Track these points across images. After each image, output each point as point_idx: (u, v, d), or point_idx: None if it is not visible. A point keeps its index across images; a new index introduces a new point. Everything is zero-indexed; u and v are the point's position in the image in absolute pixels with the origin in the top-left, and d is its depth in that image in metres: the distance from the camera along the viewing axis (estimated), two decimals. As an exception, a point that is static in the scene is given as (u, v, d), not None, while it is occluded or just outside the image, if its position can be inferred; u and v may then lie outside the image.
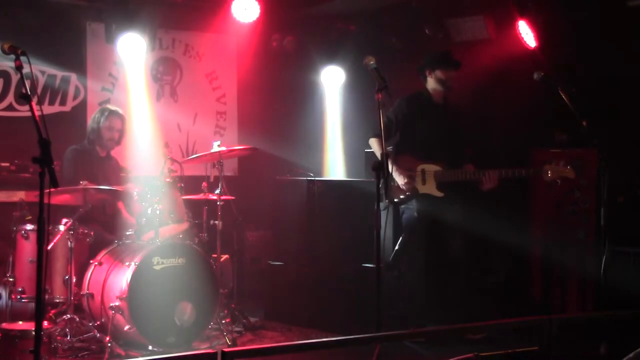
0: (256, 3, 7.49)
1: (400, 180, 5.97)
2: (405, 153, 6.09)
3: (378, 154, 5.99)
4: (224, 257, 6.62)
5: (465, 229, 5.97)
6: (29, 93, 3.75)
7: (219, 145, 6.17)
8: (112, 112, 6.33)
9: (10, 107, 6.98)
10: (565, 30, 7.10)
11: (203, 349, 5.57)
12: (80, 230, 5.63)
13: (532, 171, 6.00)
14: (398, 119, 6.08)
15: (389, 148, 6.55)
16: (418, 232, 6.04)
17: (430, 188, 5.98)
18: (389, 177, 4.79)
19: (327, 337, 5.24)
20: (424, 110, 6.07)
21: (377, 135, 6.01)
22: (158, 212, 5.68)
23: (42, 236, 3.58)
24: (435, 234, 6.00)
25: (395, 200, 6.04)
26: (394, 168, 5.96)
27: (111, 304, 5.34)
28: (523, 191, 7.33)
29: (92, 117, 6.44)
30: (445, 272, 6.03)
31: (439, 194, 5.96)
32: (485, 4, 7.37)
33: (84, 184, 5.53)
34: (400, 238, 6.59)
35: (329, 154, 8.59)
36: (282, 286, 6.85)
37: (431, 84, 6.13)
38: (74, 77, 7.34)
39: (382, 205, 5.20)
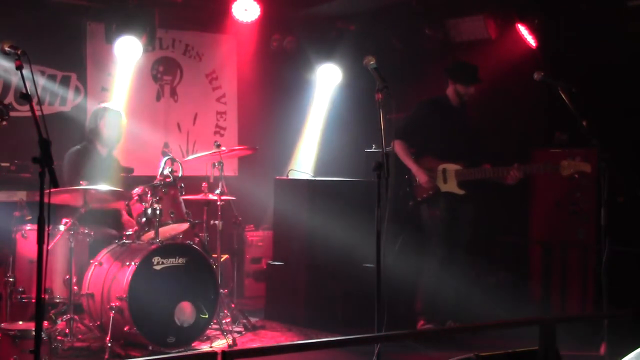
0: (256, 3, 7.50)
1: (422, 178, 6.17)
2: (426, 154, 6.27)
3: (400, 156, 6.23)
4: (224, 257, 6.62)
5: (475, 227, 6.21)
6: (29, 93, 3.75)
7: (219, 145, 6.16)
8: (109, 110, 6.32)
9: (10, 107, 6.97)
10: (565, 31, 7.10)
11: (203, 349, 5.57)
12: (80, 230, 5.63)
13: (550, 167, 6.09)
14: (417, 122, 6.30)
15: (389, 148, 6.57)
16: (440, 230, 6.18)
17: (451, 186, 6.16)
18: (389, 177, 4.79)
19: (327, 337, 5.24)
20: (443, 113, 6.27)
21: (400, 138, 6.26)
22: (158, 212, 5.67)
23: (42, 236, 3.57)
24: (455, 231, 6.19)
25: (419, 199, 6.19)
26: (416, 168, 6.20)
27: (111, 304, 5.34)
28: (523, 191, 7.33)
29: (89, 116, 6.43)
30: (458, 269, 6.17)
31: (461, 192, 6.15)
32: (485, 4, 7.37)
33: (84, 184, 5.52)
34: (400, 238, 6.60)
35: (327, 153, 8.59)
36: (282, 286, 6.84)
37: (451, 91, 6.34)
38: (74, 77, 7.34)
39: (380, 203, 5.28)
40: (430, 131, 6.25)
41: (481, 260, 7.01)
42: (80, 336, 5.50)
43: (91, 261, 5.69)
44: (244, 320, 6.36)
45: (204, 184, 6.28)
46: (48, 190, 3.59)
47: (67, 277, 5.47)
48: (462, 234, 6.25)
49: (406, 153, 6.25)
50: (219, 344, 5.73)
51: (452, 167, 6.18)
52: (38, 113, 3.69)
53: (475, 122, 6.39)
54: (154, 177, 5.96)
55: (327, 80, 8.53)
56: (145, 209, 5.73)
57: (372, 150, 7.15)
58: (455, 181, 6.16)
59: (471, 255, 6.28)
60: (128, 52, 7.10)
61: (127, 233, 5.84)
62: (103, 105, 6.48)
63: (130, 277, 5.33)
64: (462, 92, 6.26)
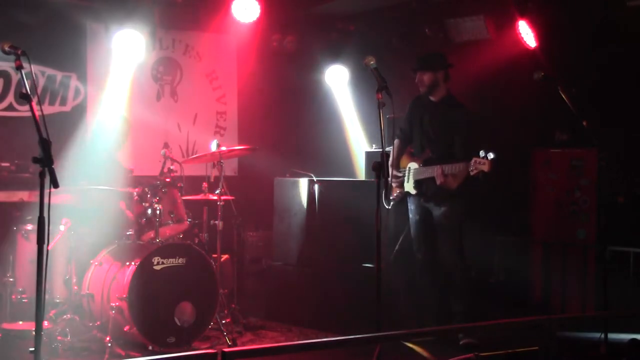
0: (256, 3, 7.49)
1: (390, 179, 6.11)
2: (406, 152, 6.16)
3: (392, 156, 6.15)
4: (224, 257, 6.62)
5: (450, 228, 5.87)
6: (29, 93, 3.75)
7: (218, 145, 6.16)
8: (115, 115, 6.29)
9: (10, 107, 6.98)
10: (565, 30, 7.10)
11: (203, 349, 5.57)
12: (80, 230, 5.62)
13: (465, 165, 5.56)
14: (406, 120, 6.19)
15: (389, 148, 6.58)
16: (414, 233, 6.07)
17: (409, 185, 6.02)
18: (389, 177, 4.79)
19: (327, 337, 5.24)
20: (420, 109, 6.09)
21: (396, 136, 6.21)
22: (158, 212, 5.68)
23: (42, 236, 3.57)
24: (432, 234, 5.98)
25: (390, 199, 6.12)
26: (390, 167, 6.08)
27: (111, 304, 5.34)
28: (523, 191, 7.34)
29: (97, 119, 6.36)
30: (436, 272, 6.01)
31: (413, 192, 5.98)
32: (485, 4, 7.38)
33: (84, 184, 5.53)
34: (401, 237, 6.60)
35: (332, 154, 8.59)
36: (282, 286, 6.85)
37: None
38: (74, 77, 7.34)
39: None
40: (413, 128, 6.13)
41: (481, 261, 7.00)
42: (80, 336, 5.49)
43: (91, 261, 5.69)
44: (244, 320, 6.36)
45: (204, 184, 6.28)
46: (48, 190, 3.59)
47: (67, 277, 5.46)
48: (440, 237, 5.91)
49: (393, 152, 6.20)
50: (219, 344, 5.73)
51: (413, 166, 6.02)
52: (38, 113, 3.69)
53: (454, 116, 5.88)
54: (154, 177, 5.97)
55: (329, 80, 8.54)
56: (145, 209, 5.73)
57: (372, 150, 7.16)
58: (413, 180, 5.99)
59: (455, 257, 5.85)
60: (131, 49, 7.09)
61: (127, 233, 5.85)
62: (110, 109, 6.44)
63: (130, 277, 5.33)
64: (416, 83, 6.03)
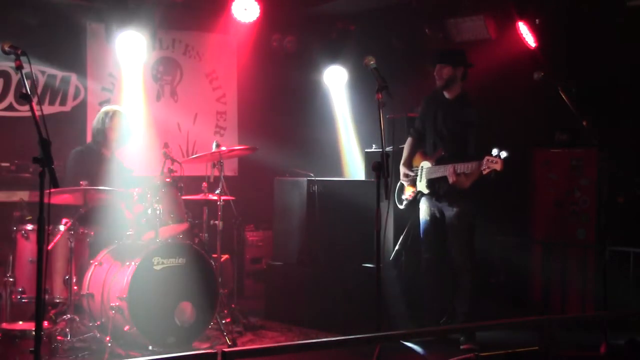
0: (256, 3, 7.51)
1: (402, 177, 6.12)
2: (419, 151, 6.14)
3: (404, 154, 6.15)
4: (224, 257, 6.62)
5: (461, 228, 5.84)
6: (29, 93, 3.75)
7: (218, 145, 6.16)
8: (117, 113, 6.28)
9: (10, 107, 6.98)
10: (565, 30, 7.11)
11: (203, 349, 5.57)
12: (80, 230, 5.62)
13: (477, 164, 5.54)
14: (420, 118, 6.18)
15: (389, 148, 6.58)
16: (423, 232, 6.06)
17: (422, 185, 5.99)
18: (389, 177, 4.77)
19: (327, 337, 5.24)
20: (434, 107, 6.05)
21: (409, 134, 6.21)
22: (158, 212, 5.67)
23: (42, 236, 3.57)
24: (433, 232, 5.98)
25: (403, 199, 6.11)
26: (401, 166, 6.11)
27: (111, 304, 5.34)
28: (523, 191, 7.34)
29: (96, 118, 6.35)
30: (443, 272, 6.01)
31: (425, 191, 5.96)
32: (485, 4, 7.38)
33: (84, 184, 5.52)
34: (401, 237, 6.60)
35: (331, 154, 8.59)
36: (282, 286, 6.84)
37: None
38: (74, 77, 7.34)
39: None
40: (426, 126, 6.11)
41: (481, 261, 7.00)
42: (80, 336, 5.49)
43: (91, 261, 5.69)
44: (244, 320, 6.36)
45: (204, 184, 6.28)
46: (48, 190, 3.59)
47: (67, 277, 5.46)
48: (450, 238, 5.86)
49: (405, 150, 6.20)
50: (219, 344, 5.73)
51: (426, 165, 5.98)
52: (38, 113, 3.69)
53: (468, 115, 5.86)
54: (154, 177, 5.96)
55: (329, 80, 8.54)
56: (145, 209, 5.73)
57: (372, 150, 7.16)
58: (425, 179, 5.95)
59: (463, 257, 5.82)
60: (131, 50, 7.10)
61: (127, 233, 5.84)
62: (111, 107, 6.42)
63: (130, 277, 5.33)
64: (434, 75, 5.98)
